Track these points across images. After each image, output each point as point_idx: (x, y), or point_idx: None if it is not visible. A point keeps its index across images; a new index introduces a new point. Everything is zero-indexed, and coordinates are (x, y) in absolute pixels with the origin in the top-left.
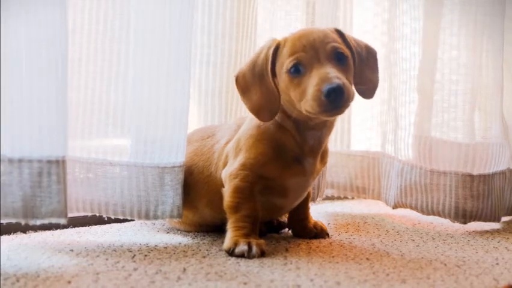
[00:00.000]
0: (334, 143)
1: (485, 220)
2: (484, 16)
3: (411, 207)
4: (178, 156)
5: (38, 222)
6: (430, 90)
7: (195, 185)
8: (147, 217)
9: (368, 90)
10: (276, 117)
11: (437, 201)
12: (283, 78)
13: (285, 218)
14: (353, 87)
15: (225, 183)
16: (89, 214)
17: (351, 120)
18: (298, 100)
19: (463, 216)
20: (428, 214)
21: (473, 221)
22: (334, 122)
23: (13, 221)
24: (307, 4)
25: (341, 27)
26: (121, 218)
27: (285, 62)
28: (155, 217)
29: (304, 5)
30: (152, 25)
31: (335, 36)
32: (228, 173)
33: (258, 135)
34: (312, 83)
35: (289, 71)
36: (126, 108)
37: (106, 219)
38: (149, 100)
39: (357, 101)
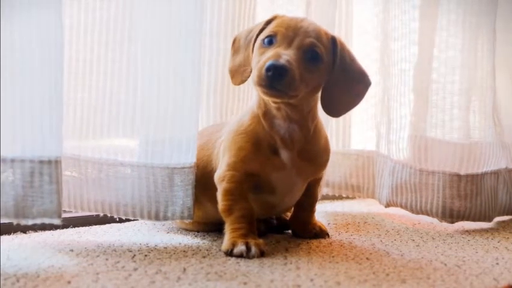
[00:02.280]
0: (331, 142)
1: (473, 220)
2: (478, 17)
3: (401, 206)
4: (188, 156)
5: (30, 222)
6: (426, 90)
7: (200, 178)
8: (157, 218)
9: (331, 109)
10: (254, 104)
11: (425, 201)
12: (256, 45)
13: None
14: (319, 96)
15: (217, 187)
16: (101, 214)
17: (351, 120)
18: (253, 68)
19: (450, 215)
20: (417, 213)
21: (461, 220)
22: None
23: (5, 221)
24: (307, 4)
25: (339, 27)
26: (132, 218)
27: (265, 32)
28: (166, 218)
29: (304, 5)
30: (160, 25)
31: (324, 39)
32: (217, 177)
33: (236, 130)
34: (265, 56)
35: (263, 40)
36: (136, 108)
37: (107, 219)
38: (158, 100)
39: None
